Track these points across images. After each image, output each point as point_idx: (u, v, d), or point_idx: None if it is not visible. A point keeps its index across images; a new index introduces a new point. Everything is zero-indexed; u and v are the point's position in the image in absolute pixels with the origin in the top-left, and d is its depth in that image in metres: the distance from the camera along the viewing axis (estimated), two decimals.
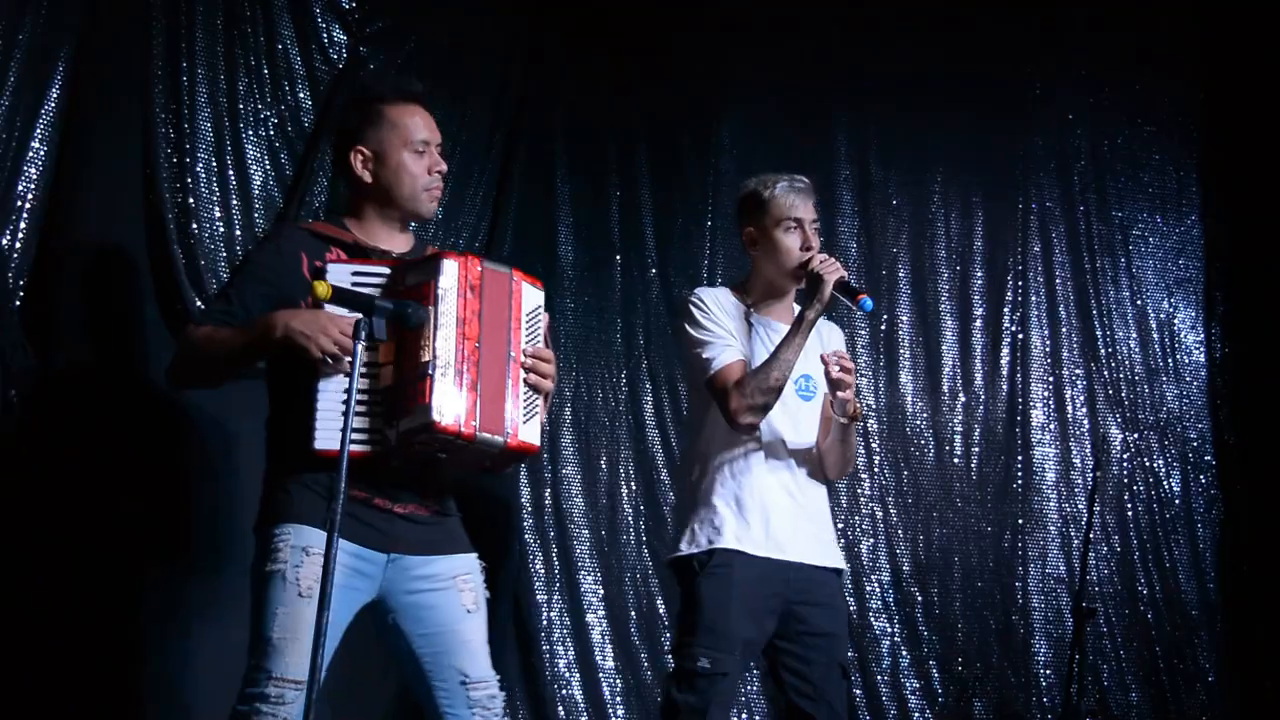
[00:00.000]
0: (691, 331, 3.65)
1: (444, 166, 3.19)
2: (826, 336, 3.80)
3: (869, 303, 3.56)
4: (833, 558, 3.67)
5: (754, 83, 5.53)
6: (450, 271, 2.91)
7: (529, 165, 5.36)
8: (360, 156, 3.14)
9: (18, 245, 3.40)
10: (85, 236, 3.71)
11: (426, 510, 3.06)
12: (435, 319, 2.85)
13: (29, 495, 3.47)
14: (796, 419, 3.65)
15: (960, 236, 5.49)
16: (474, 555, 3.15)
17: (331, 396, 2.86)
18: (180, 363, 3.11)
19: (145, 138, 3.87)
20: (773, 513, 3.54)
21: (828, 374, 3.52)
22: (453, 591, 3.05)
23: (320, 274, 2.90)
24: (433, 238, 4.71)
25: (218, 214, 4.03)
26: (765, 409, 3.51)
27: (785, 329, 3.61)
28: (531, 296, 3.08)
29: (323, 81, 4.43)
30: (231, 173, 4.09)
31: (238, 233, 4.09)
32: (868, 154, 5.54)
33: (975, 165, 5.56)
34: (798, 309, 3.63)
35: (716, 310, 3.66)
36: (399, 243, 3.19)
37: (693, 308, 3.67)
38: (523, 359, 3.01)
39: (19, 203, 3.41)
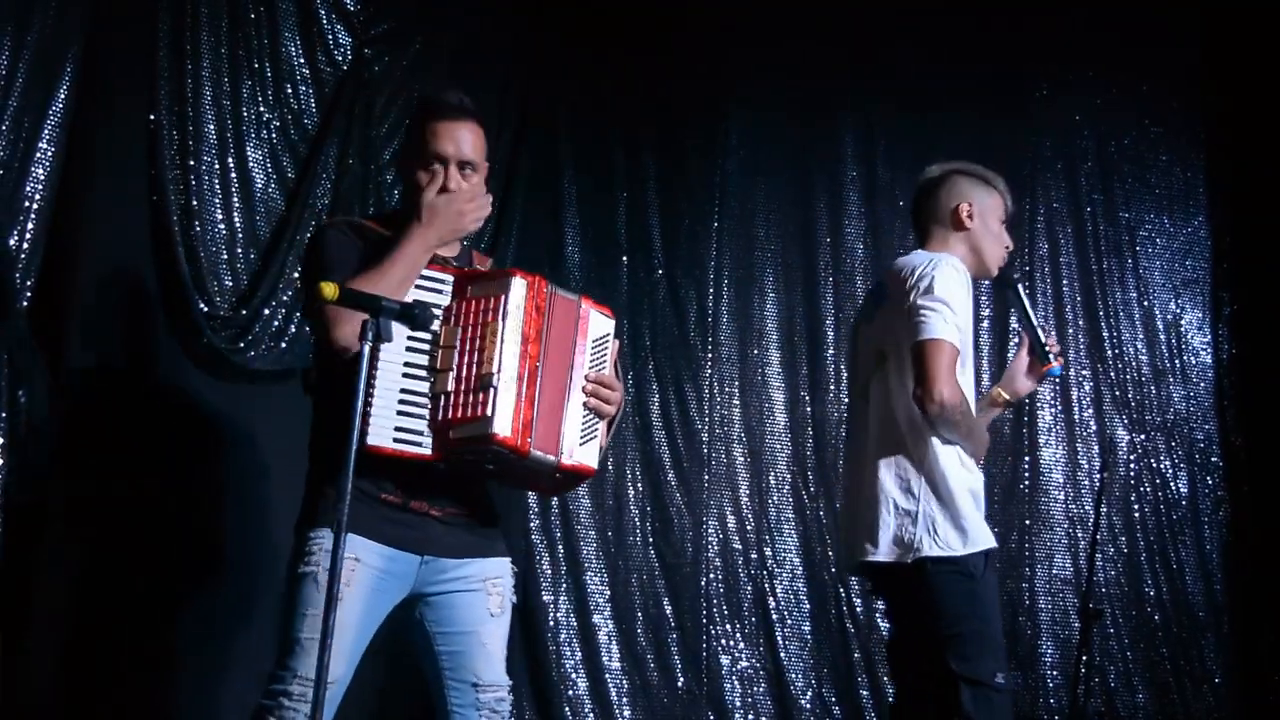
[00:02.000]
0: (940, 295, 3.29)
1: (455, 184, 3.07)
2: None
3: (1058, 369, 3.57)
4: None
5: (760, 83, 5.54)
6: (519, 289, 2.93)
7: (535, 166, 5.37)
8: (408, 165, 3.15)
9: (25, 245, 3.40)
10: (92, 237, 3.71)
11: (463, 514, 3.08)
12: (502, 332, 2.88)
13: (31, 493, 3.47)
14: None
15: None
16: (508, 560, 3.16)
17: (387, 394, 2.87)
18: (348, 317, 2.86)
19: (151, 139, 3.87)
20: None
21: (1056, 352, 3.49)
22: (481, 594, 3.07)
23: None
24: None
25: (220, 216, 4.04)
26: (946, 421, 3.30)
27: None
28: (599, 324, 3.09)
29: (327, 83, 4.44)
30: (234, 174, 4.10)
31: (239, 235, 4.09)
32: (874, 155, 5.54)
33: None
34: None
35: (968, 291, 3.40)
36: (445, 249, 3.16)
37: (955, 270, 3.36)
38: (584, 383, 3.03)
39: (26, 203, 3.41)
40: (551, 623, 5.06)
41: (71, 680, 3.55)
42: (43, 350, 3.47)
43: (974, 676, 3.18)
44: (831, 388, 5.38)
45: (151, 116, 3.87)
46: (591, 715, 5.00)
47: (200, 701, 3.90)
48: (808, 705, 5.12)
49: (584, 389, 3.03)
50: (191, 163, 3.96)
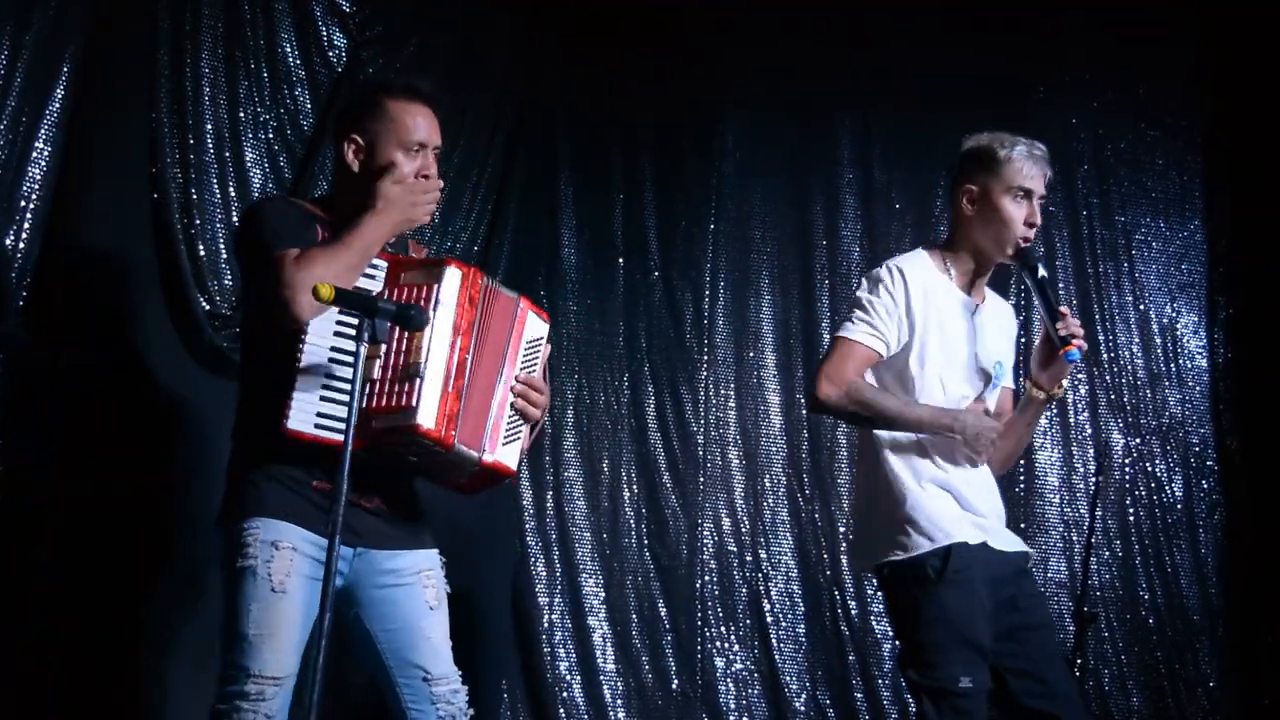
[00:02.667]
0: (861, 298, 3.39)
1: (432, 171, 3.06)
2: (1003, 314, 3.63)
3: (1076, 354, 3.31)
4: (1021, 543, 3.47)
5: (757, 85, 5.54)
6: (453, 280, 2.89)
7: (531, 167, 5.36)
8: (353, 146, 3.06)
9: (21, 245, 3.40)
10: (89, 237, 3.71)
11: (392, 506, 3.05)
12: (432, 323, 2.83)
13: (32, 494, 3.47)
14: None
15: None
16: (435, 551, 3.12)
17: (310, 377, 2.81)
18: (307, 281, 2.79)
19: (151, 138, 3.87)
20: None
21: (1068, 336, 3.28)
22: (416, 588, 3.04)
23: None
24: (428, 241, 4.72)
25: (219, 215, 4.04)
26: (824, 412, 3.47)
27: (978, 310, 3.44)
28: (535, 327, 3.08)
29: (323, 85, 4.43)
30: (232, 174, 4.10)
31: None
32: (871, 157, 5.54)
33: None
34: (985, 292, 3.53)
35: (898, 290, 3.36)
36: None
37: (876, 281, 3.40)
38: (514, 383, 3.01)
39: (23, 203, 3.41)
40: (546, 624, 5.06)
41: (71, 681, 3.54)
42: (39, 350, 3.47)
43: (934, 684, 3.14)
44: None
45: (153, 115, 3.87)
46: (586, 717, 4.99)
47: (202, 701, 3.88)
48: (802, 708, 5.12)
49: (513, 389, 3.01)
50: (192, 158, 3.96)
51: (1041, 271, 3.38)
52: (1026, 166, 3.37)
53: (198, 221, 3.95)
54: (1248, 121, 5.37)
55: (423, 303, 2.85)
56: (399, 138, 3.03)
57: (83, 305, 3.69)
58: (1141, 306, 5.44)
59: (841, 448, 5.33)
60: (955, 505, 3.29)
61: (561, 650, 5.06)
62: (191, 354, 3.92)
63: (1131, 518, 5.25)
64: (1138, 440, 5.33)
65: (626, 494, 5.26)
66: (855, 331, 3.32)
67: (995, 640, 3.21)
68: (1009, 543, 3.36)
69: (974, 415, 3.32)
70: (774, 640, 5.18)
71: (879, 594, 5.18)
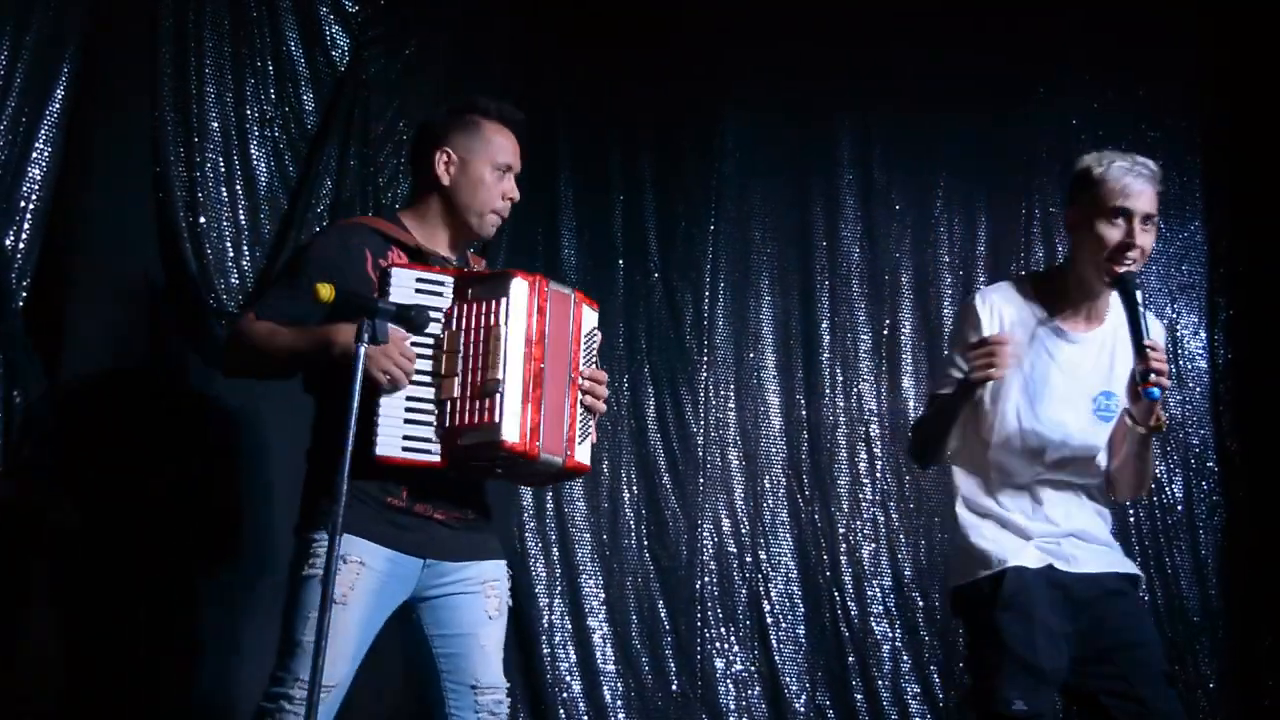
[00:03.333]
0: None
1: (516, 195, 3.25)
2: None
3: (1155, 392, 3.05)
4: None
5: (757, 86, 5.54)
6: (521, 292, 2.96)
7: (530, 168, 5.33)
8: (445, 157, 3.18)
9: (21, 246, 3.41)
10: (90, 237, 3.71)
11: (463, 517, 3.09)
12: (506, 337, 2.89)
13: (33, 494, 3.47)
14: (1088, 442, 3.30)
15: (963, 241, 5.49)
16: (504, 563, 3.20)
17: (394, 404, 2.90)
18: (236, 354, 3.12)
19: (154, 137, 3.88)
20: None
21: (1146, 371, 3.05)
22: (479, 596, 3.10)
23: (386, 280, 2.93)
24: None
25: (225, 214, 4.06)
26: (922, 460, 3.50)
27: (1081, 340, 3.29)
28: (589, 318, 3.14)
29: (326, 84, 4.45)
30: (238, 173, 4.12)
31: (244, 233, 4.11)
32: (871, 158, 5.54)
33: (979, 170, 5.56)
34: (1104, 319, 3.32)
35: (985, 323, 3.27)
36: (456, 245, 3.24)
37: (960, 317, 3.39)
38: (580, 381, 3.06)
39: (23, 204, 3.42)
40: (546, 625, 5.06)
41: (73, 680, 3.54)
42: (39, 350, 3.47)
43: (988, 705, 3.14)
44: (827, 391, 5.37)
45: (155, 114, 3.88)
46: (586, 718, 4.99)
47: (207, 700, 3.89)
48: (802, 709, 5.12)
49: (581, 387, 3.06)
50: (196, 159, 3.98)
51: (1138, 300, 3.15)
52: (1124, 184, 3.22)
53: (203, 220, 3.97)
54: (1248, 123, 5.37)
55: (493, 316, 2.92)
56: (491, 156, 3.20)
57: (83, 306, 3.68)
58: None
59: (840, 449, 5.33)
60: (1013, 533, 3.27)
61: (561, 651, 5.06)
62: (198, 352, 3.93)
63: (1131, 519, 5.25)
64: None
65: (626, 495, 5.26)
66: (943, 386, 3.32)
67: (1086, 663, 3.19)
68: (1094, 564, 3.30)
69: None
70: (774, 641, 5.18)
71: (878, 595, 5.20)
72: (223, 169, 4.07)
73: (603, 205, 5.45)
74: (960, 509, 3.33)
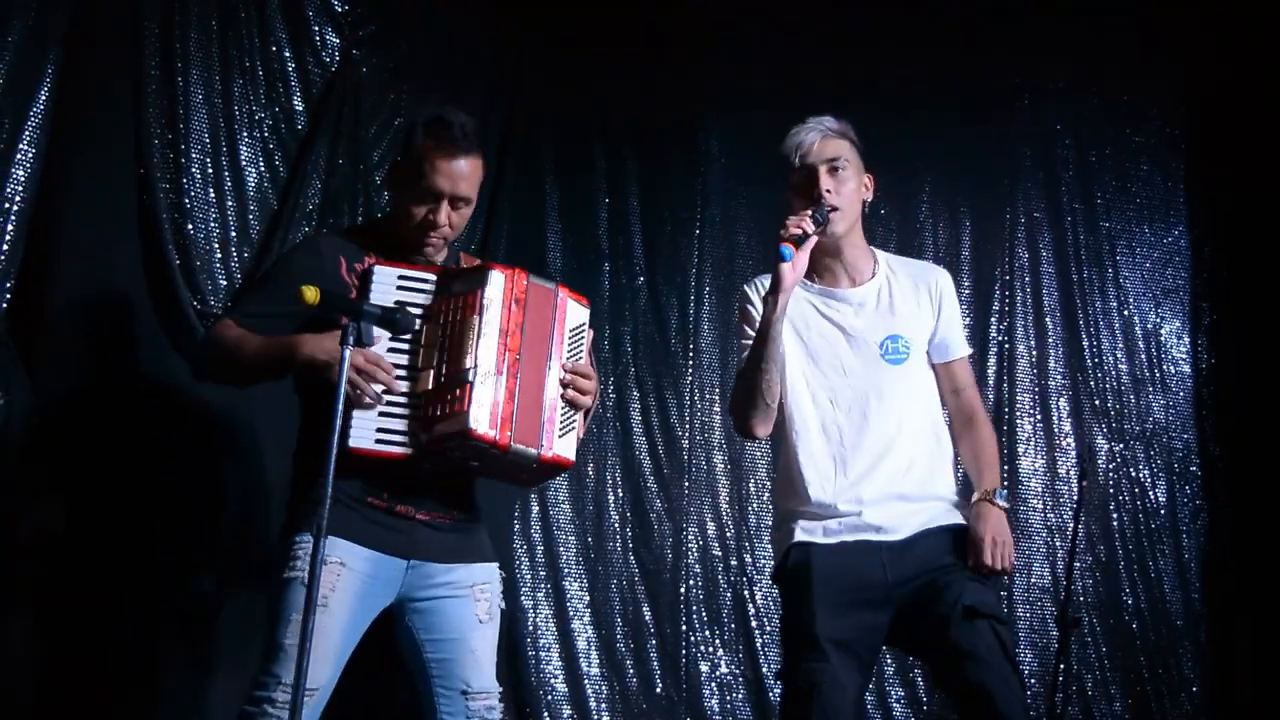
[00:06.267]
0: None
1: (441, 224, 3.08)
2: (917, 281, 3.51)
3: (787, 251, 3.13)
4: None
5: (741, 90, 5.55)
6: (496, 283, 2.94)
7: (518, 172, 5.37)
8: (392, 172, 3.19)
9: (4, 248, 3.39)
10: (73, 239, 3.70)
11: (449, 517, 3.08)
12: (479, 327, 2.88)
13: (22, 500, 3.46)
14: (880, 386, 3.35)
15: (947, 246, 5.50)
16: (494, 565, 3.19)
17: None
18: (209, 360, 3.14)
19: (137, 139, 3.87)
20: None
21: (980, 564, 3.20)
22: (468, 600, 3.09)
23: (368, 278, 2.94)
24: None
25: (213, 215, 4.05)
26: (746, 420, 3.32)
27: (848, 297, 3.43)
28: (576, 313, 3.11)
29: (315, 84, 4.45)
30: (227, 174, 4.11)
31: (232, 234, 4.11)
32: None
33: (962, 175, 5.57)
34: (869, 274, 3.48)
35: (757, 302, 3.38)
36: (434, 254, 3.20)
37: (740, 304, 3.49)
38: (563, 374, 3.03)
39: (6, 205, 3.41)
40: (530, 628, 5.06)
41: (51, 685, 3.52)
42: (22, 352, 3.46)
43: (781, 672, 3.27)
44: None
45: (140, 115, 3.87)
46: None
47: (190, 705, 3.88)
48: None
49: (562, 380, 3.03)
50: (183, 161, 3.97)
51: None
52: (789, 143, 3.45)
53: (190, 223, 3.95)
54: (1232, 127, 5.39)
55: (469, 309, 2.91)
56: (413, 182, 3.09)
57: (67, 307, 3.67)
58: (1125, 312, 5.45)
59: None
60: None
61: (546, 654, 5.05)
62: (183, 355, 3.91)
63: (1115, 523, 5.26)
64: (1121, 446, 5.34)
65: (611, 498, 5.26)
66: None
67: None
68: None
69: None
70: (758, 644, 5.18)
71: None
72: (210, 170, 4.05)
73: (588, 209, 5.46)
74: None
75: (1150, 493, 5.30)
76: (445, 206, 3.09)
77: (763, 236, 5.51)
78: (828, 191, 3.35)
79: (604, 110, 5.50)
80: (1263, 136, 5.26)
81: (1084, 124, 5.54)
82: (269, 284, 3.13)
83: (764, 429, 3.35)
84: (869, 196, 3.51)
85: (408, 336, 2.92)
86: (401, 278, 2.97)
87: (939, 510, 3.32)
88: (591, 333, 3.18)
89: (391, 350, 2.93)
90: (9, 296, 3.41)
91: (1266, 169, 5.24)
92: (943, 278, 3.55)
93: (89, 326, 3.77)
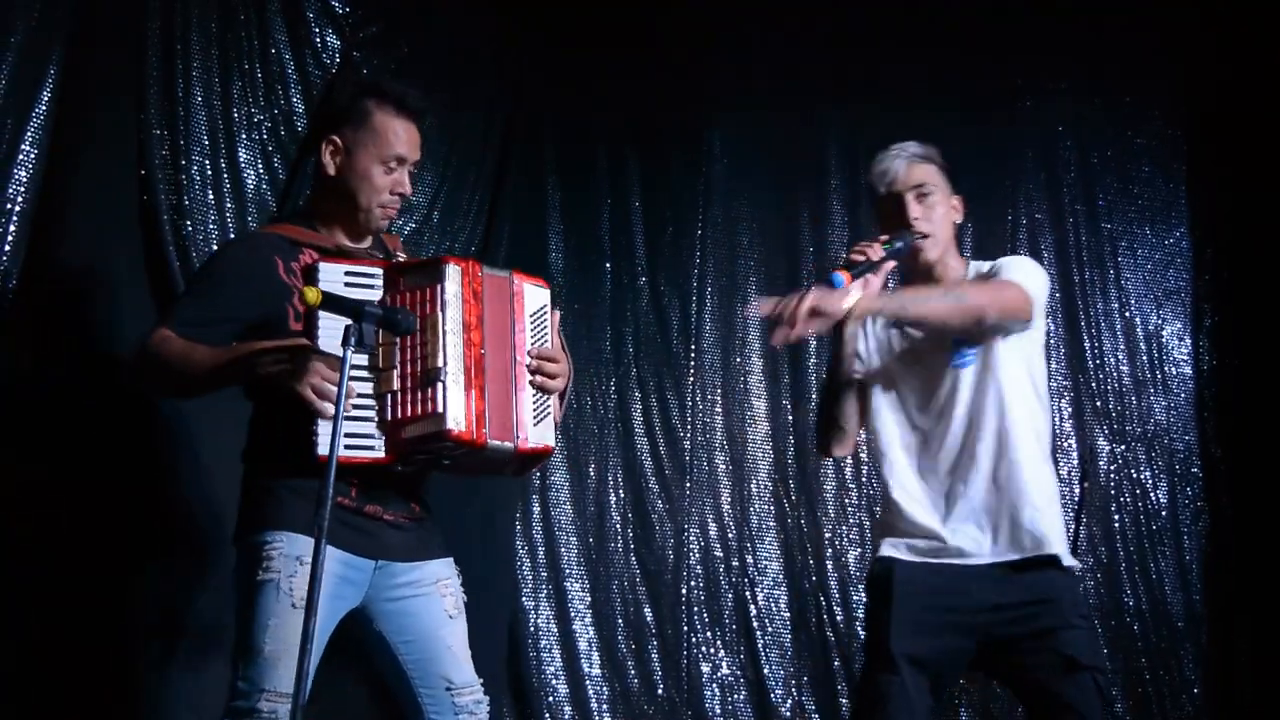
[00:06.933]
0: None
1: (407, 188, 3.07)
2: None
3: (839, 278, 3.02)
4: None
5: (744, 91, 5.55)
6: (454, 277, 2.88)
7: (519, 173, 5.36)
8: (331, 146, 3.05)
9: (6, 248, 3.39)
10: (75, 240, 3.69)
11: (410, 516, 3.04)
12: (443, 324, 2.83)
13: (20, 501, 3.45)
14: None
15: None
16: (450, 559, 3.12)
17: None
18: (147, 371, 2.94)
19: (139, 140, 3.86)
20: None
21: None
22: (434, 597, 3.04)
23: (313, 275, 2.84)
24: (429, 244, 4.72)
25: (212, 216, 4.04)
26: (825, 443, 3.36)
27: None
28: (535, 297, 3.04)
29: (315, 86, 4.43)
30: (226, 175, 4.10)
31: (231, 236, 4.08)
32: (857, 164, 5.53)
33: (964, 177, 5.53)
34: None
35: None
36: (360, 240, 3.13)
37: None
38: (528, 360, 2.98)
39: (8, 205, 3.39)
40: (532, 629, 5.06)
41: (45, 693, 3.51)
42: (22, 351, 3.46)
43: None
44: (813, 397, 5.38)
45: (141, 116, 3.86)
46: None
47: (168, 711, 3.87)
48: (788, 713, 5.12)
49: (529, 367, 2.98)
50: (183, 162, 3.96)
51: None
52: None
53: (189, 225, 3.95)
54: (1233, 129, 5.39)
55: (428, 305, 2.84)
56: (379, 149, 3.03)
57: (68, 310, 3.67)
58: (1127, 314, 5.45)
59: None
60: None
61: (547, 655, 5.05)
62: None
63: (1116, 524, 5.26)
64: (1122, 447, 5.34)
65: (613, 499, 5.26)
66: None
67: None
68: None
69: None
70: (759, 645, 5.18)
71: (864, 601, 5.20)
72: (209, 172, 4.04)
73: (590, 209, 5.46)
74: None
75: (1151, 494, 5.30)
76: (406, 175, 3.07)
77: (764, 237, 5.52)
78: (916, 219, 3.28)
79: (605, 110, 5.50)
80: (1264, 138, 5.26)
81: (1085, 125, 5.54)
82: (205, 288, 2.99)
83: (841, 450, 3.40)
84: (959, 218, 3.41)
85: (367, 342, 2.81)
86: (348, 273, 2.88)
87: (1033, 538, 3.15)
88: (558, 313, 3.09)
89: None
90: (11, 296, 3.41)
91: (1268, 170, 5.24)
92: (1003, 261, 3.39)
93: (89, 326, 3.76)
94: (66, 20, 3.54)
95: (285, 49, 4.36)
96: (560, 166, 5.46)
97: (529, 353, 2.99)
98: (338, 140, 3.05)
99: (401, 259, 3.17)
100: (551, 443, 3.02)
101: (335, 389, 2.69)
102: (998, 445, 3.17)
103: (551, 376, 3.01)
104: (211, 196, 4.04)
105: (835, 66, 5.49)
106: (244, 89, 4.20)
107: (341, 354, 2.65)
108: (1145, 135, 5.54)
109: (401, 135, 3.05)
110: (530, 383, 2.98)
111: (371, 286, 2.90)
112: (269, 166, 4.25)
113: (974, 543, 3.14)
